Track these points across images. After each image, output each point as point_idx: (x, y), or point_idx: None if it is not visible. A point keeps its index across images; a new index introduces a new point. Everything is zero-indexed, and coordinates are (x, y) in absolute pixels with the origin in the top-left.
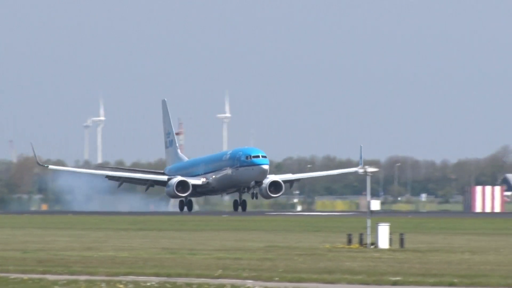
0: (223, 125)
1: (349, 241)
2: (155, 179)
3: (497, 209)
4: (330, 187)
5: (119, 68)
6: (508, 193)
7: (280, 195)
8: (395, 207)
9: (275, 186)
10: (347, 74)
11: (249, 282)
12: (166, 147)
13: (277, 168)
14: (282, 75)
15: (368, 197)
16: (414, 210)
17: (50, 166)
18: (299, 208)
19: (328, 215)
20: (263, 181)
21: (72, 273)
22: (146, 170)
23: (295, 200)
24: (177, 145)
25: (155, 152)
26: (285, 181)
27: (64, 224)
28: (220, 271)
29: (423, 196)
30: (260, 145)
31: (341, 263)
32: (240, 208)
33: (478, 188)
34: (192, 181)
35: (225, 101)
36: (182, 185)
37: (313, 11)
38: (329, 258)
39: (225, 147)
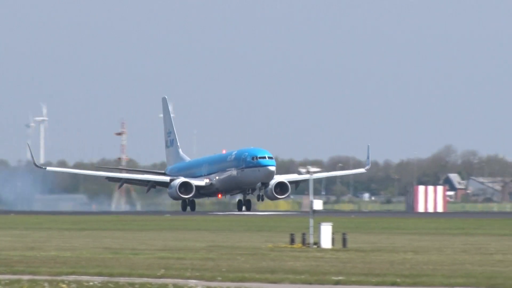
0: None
1: (292, 241)
2: (157, 180)
3: (440, 209)
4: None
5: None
6: (451, 193)
7: (286, 196)
8: (338, 207)
9: (281, 187)
10: (287, 72)
11: (192, 282)
12: (167, 146)
13: None
14: (230, 73)
15: (311, 196)
16: (357, 210)
17: (48, 168)
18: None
19: (270, 215)
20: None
21: (14, 273)
22: (146, 170)
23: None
24: (178, 144)
25: (99, 152)
26: (291, 182)
27: (6, 224)
28: (162, 271)
29: (366, 196)
30: (203, 145)
31: (284, 263)
32: (244, 208)
33: (421, 188)
34: (195, 182)
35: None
36: (185, 187)
37: (304, 10)
38: (271, 257)
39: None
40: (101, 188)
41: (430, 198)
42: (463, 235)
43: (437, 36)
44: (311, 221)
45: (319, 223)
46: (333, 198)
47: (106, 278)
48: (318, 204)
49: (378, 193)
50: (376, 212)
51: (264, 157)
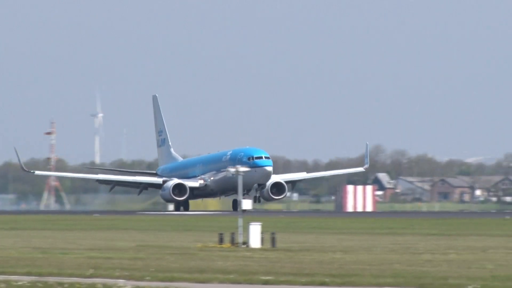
0: (95, 125)
1: (221, 241)
2: (150, 182)
3: (369, 208)
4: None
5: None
6: (380, 193)
7: (283, 197)
8: (267, 206)
9: (277, 187)
10: (273, 70)
11: (121, 282)
12: (158, 145)
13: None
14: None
15: (240, 196)
16: (286, 210)
17: (36, 172)
18: (171, 207)
19: (200, 215)
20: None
21: None
22: (137, 171)
23: None
24: (169, 143)
25: (27, 152)
26: (287, 182)
27: None
28: (91, 271)
29: (295, 196)
30: (132, 145)
31: (213, 263)
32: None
33: (350, 188)
34: (189, 183)
35: (96, 101)
36: (179, 188)
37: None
38: (200, 257)
39: (97, 147)
40: (30, 187)
41: (359, 198)
42: (392, 235)
43: (370, 35)
44: (240, 221)
45: (248, 222)
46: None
47: (35, 277)
48: (247, 204)
49: (307, 193)
50: (305, 211)
51: (261, 157)
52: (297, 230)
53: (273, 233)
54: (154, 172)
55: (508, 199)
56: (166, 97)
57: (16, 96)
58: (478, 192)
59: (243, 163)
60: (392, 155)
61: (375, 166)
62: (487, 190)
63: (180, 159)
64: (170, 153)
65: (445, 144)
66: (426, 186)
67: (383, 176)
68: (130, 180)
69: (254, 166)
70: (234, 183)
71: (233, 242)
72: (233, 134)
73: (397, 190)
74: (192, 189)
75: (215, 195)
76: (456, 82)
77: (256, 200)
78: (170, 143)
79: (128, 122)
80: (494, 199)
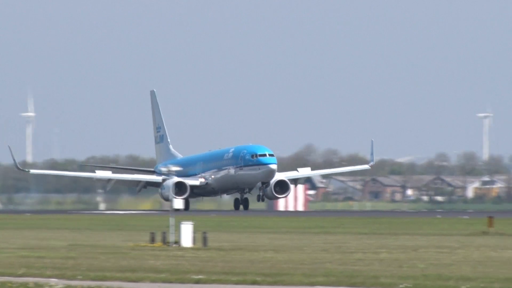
0: (26, 124)
1: (152, 240)
2: (149, 180)
3: (300, 207)
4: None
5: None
6: (311, 192)
7: (286, 196)
8: (199, 206)
9: (281, 186)
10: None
11: (53, 281)
12: (156, 142)
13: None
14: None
15: (171, 195)
16: (218, 209)
17: (32, 171)
18: (102, 206)
19: (131, 214)
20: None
21: None
22: (135, 168)
23: (98, 199)
24: (168, 140)
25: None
26: (290, 180)
27: None
28: (23, 270)
29: (225, 196)
30: (65, 144)
31: (145, 262)
32: (241, 207)
33: None
34: (190, 181)
35: (28, 100)
36: (179, 187)
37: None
38: (132, 256)
39: (29, 147)
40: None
41: (291, 197)
42: (324, 234)
43: (298, 35)
44: (172, 220)
45: (180, 222)
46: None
47: None
48: (178, 203)
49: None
50: (237, 210)
51: (265, 155)
52: (229, 229)
53: (204, 232)
54: (152, 170)
55: (439, 198)
56: (164, 93)
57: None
58: (409, 192)
59: (246, 161)
60: (324, 154)
61: (306, 166)
62: (419, 189)
63: (180, 156)
64: (168, 150)
65: (376, 143)
66: (358, 185)
67: (315, 175)
68: (130, 179)
69: (258, 163)
70: (236, 181)
71: (164, 241)
72: (232, 131)
73: (329, 189)
74: (192, 187)
75: (216, 193)
76: (386, 82)
77: (259, 198)
78: (169, 140)
79: (186, 118)
80: (426, 198)
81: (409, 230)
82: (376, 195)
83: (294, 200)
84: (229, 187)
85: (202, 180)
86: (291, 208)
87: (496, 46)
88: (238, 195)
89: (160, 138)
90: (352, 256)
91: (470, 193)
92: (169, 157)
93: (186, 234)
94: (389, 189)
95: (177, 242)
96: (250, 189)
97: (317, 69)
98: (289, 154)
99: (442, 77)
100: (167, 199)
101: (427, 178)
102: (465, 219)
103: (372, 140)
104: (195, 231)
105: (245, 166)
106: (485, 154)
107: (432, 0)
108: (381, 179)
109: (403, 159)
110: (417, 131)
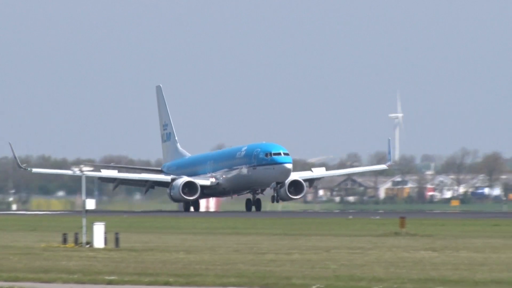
0: None
1: (65, 240)
2: (157, 179)
3: (212, 208)
4: (46, 186)
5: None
6: None
7: (301, 197)
8: (111, 206)
9: (295, 186)
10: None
11: None
12: (163, 141)
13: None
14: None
15: (83, 196)
16: (129, 210)
17: (34, 170)
18: (14, 207)
19: (43, 214)
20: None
21: None
22: (141, 168)
23: (10, 199)
24: (176, 138)
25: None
26: (304, 180)
27: None
28: None
29: (138, 196)
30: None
31: (57, 262)
32: (254, 208)
33: None
34: (200, 181)
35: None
36: (189, 187)
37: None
38: (45, 257)
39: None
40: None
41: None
42: (236, 235)
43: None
44: (84, 221)
45: (92, 222)
46: (105, 198)
47: None
48: (90, 204)
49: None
50: (149, 212)
51: (279, 153)
52: (141, 230)
53: (117, 233)
54: (159, 169)
55: (351, 199)
56: (170, 89)
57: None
58: (321, 192)
59: (260, 160)
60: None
61: None
62: (330, 190)
63: (188, 155)
64: (176, 148)
65: (288, 144)
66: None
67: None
68: (136, 178)
69: (272, 163)
70: (249, 181)
71: (76, 242)
72: (241, 129)
73: None
74: (202, 187)
75: (227, 194)
76: (299, 82)
77: (274, 199)
78: (176, 138)
79: (194, 115)
80: (337, 199)
81: (321, 230)
82: None
83: (206, 201)
84: (241, 187)
85: (213, 180)
86: (203, 209)
87: (406, 46)
88: (250, 196)
89: (167, 136)
90: (264, 257)
91: (382, 193)
92: (177, 156)
93: (98, 235)
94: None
95: (89, 243)
96: (263, 190)
97: (214, 69)
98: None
99: (354, 78)
100: (176, 199)
101: (339, 178)
102: (376, 219)
103: (389, 139)
104: (107, 231)
105: (258, 165)
106: (396, 155)
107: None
108: None
109: (314, 159)
110: (328, 131)
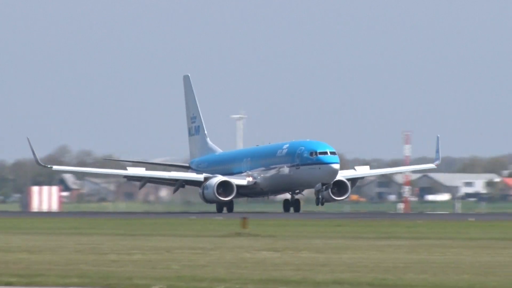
0: None
1: None
2: (188, 178)
3: (54, 208)
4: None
5: None
6: (65, 193)
7: (346, 198)
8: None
9: (338, 186)
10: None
11: None
12: (191, 134)
13: None
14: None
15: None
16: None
17: (54, 167)
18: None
19: None
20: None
21: None
22: (169, 164)
23: None
24: (205, 132)
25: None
26: (347, 180)
27: None
28: None
29: None
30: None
31: None
32: (292, 209)
33: (35, 189)
34: (236, 181)
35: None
36: (224, 186)
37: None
38: None
39: None
40: None
41: (45, 198)
42: (78, 235)
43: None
44: None
45: None
46: None
47: None
48: None
49: None
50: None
51: (326, 153)
52: None
53: None
54: (187, 165)
55: (192, 199)
56: (198, 78)
57: None
58: (163, 192)
59: (304, 159)
60: (78, 155)
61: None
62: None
63: (219, 150)
64: (206, 143)
65: (132, 145)
66: (112, 187)
67: (68, 177)
68: (166, 177)
69: (318, 162)
70: (291, 182)
71: None
72: (282, 125)
73: (83, 191)
74: (238, 187)
75: (265, 194)
76: (145, 82)
77: (319, 202)
78: (206, 132)
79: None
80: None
81: (163, 231)
82: (130, 196)
83: (48, 202)
84: (281, 188)
85: (250, 179)
86: (45, 209)
87: (245, 48)
88: (288, 196)
89: (196, 130)
90: (106, 257)
91: None
92: (207, 152)
93: None
94: (143, 191)
95: None
96: (302, 190)
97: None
98: (43, 156)
99: (203, 77)
100: (210, 200)
101: None
102: (218, 220)
103: (438, 136)
104: None
105: (302, 165)
106: None
107: None
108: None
109: (158, 159)
110: (171, 133)
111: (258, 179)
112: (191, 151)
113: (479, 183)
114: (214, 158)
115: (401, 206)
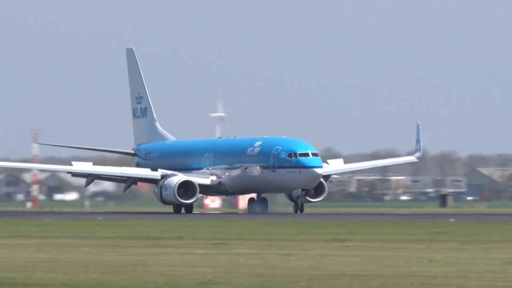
0: None
1: None
2: (142, 176)
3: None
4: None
5: None
6: None
7: (322, 199)
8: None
9: (315, 187)
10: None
11: None
12: (136, 116)
13: None
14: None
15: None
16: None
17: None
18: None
19: None
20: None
21: None
22: (110, 150)
23: None
24: (154, 116)
25: None
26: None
27: None
28: None
29: None
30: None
31: None
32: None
33: None
34: (198, 180)
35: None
36: (185, 187)
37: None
38: None
39: None
40: None
41: None
42: None
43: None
44: None
45: None
46: None
47: None
48: None
49: None
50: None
51: (307, 154)
52: None
53: None
54: (132, 152)
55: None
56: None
57: None
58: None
59: (281, 161)
60: None
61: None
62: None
63: (171, 138)
64: (155, 128)
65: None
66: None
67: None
68: (118, 173)
69: (298, 166)
70: (263, 185)
71: None
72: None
73: None
74: (200, 187)
75: (230, 194)
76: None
77: (297, 209)
78: (154, 116)
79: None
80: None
81: None
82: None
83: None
84: (252, 190)
85: (214, 178)
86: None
87: (221, 47)
88: (252, 195)
89: (142, 112)
90: None
91: None
92: (156, 138)
93: None
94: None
95: None
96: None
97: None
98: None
99: (177, 77)
100: (169, 202)
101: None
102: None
103: (418, 123)
104: None
105: (279, 167)
106: None
107: None
108: None
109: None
110: (101, 127)
111: (223, 179)
112: (136, 135)
113: None
114: (167, 148)
115: (29, 205)
